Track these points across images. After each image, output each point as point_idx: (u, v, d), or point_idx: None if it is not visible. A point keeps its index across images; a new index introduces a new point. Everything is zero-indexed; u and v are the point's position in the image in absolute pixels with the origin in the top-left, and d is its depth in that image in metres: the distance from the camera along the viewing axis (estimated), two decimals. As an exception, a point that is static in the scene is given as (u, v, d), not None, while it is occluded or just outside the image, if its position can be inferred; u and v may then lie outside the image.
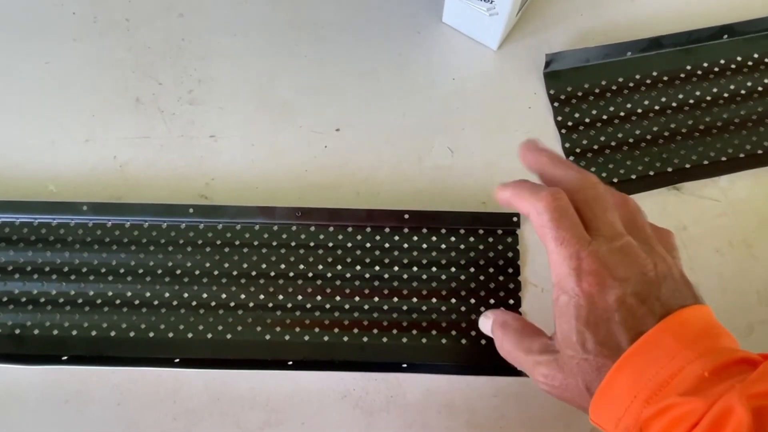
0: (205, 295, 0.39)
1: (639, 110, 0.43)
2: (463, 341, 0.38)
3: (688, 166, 0.42)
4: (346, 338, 0.38)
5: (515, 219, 0.40)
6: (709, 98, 0.43)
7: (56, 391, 0.38)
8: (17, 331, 0.38)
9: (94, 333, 0.38)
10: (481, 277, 0.39)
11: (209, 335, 0.38)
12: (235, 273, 0.39)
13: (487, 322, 0.33)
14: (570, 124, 0.43)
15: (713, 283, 0.40)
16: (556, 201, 0.27)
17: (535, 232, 0.29)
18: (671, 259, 0.28)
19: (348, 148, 0.43)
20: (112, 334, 0.38)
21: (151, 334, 0.38)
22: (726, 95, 0.44)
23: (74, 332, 0.38)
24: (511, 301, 0.39)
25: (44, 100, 0.44)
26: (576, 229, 0.27)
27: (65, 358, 0.38)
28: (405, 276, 0.39)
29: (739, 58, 0.44)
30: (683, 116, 0.43)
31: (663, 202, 0.41)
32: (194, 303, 0.39)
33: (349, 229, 0.40)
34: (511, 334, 0.31)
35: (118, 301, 0.39)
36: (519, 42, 0.46)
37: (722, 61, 0.44)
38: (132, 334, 0.38)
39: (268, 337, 0.38)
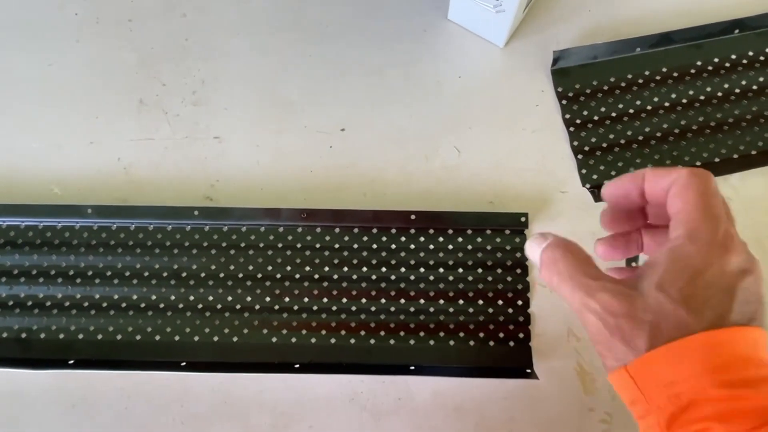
0: (210, 298, 0.39)
1: (648, 107, 0.43)
2: (472, 343, 0.38)
3: (698, 163, 0.41)
4: (353, 340, 0.38)
5: (523, 219, 0.40)
6: (720, 94, 0.43)
7: (63, 395, 0.37)
8: (23, 335, 0.38)
9: (100, 336, 0.38)
10: (489, 278, 0.39)
11: (215, 338, 0.38)
12: (240, 275, 0.39)
13: (539, 242, 0.27)
14: (578, 121, 0.42)
15: (725, 283, 0.39)
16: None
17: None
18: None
19: (353, 149, 0.42)
20: (119, 337, 0.38)
21: (157, 338, 0.38)
22: (737, 91, 0.43)
23: (80, 336, 0.38)
24: (520, 302, 0.38)
25: (47, 102, 0.44)
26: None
27: (72, 362, 0.37)
28: (412, 277, 0.39)
29: (750, 53, 0.44)
30: (694, 113, 0.42)
31: (673, 201, 0.41)
32: (200, 306, 0.39)
33: (356, 231, 0.40)
34: (572, 258, 0.26)
35: (123, 305, 0.39)
36: (526, 39, 0.45)
37: (733, 57, 0.44)
38: (138, 337, 0.38)
39: (274, 339, 0.38)
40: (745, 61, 0.43)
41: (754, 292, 0.25)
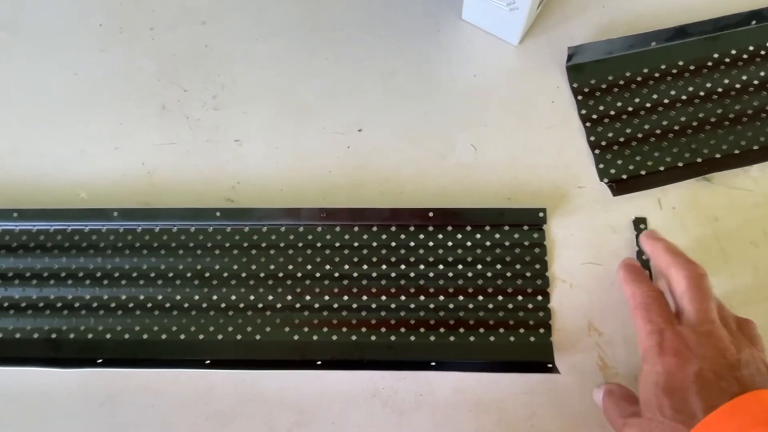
0: (233, 297, 0.40)
1: (665, 101, 0.42)
2: (492, 338, 0.38)
3: (718, 156, 0.41)
4: (373, 337, 0.38)
5: (541, 215, 0.40)
6: (738, 86, 0.42)
7: (91, 393, 0.38)
8: (53, 336, 0.39)
9: (126, 336, 0.39)
10: (508, 274, 0.39)
11: (238, 336, 0.39)
12: (262, 275, 0.40)
13: (599, 392, 0.35)
14: (594, 117, 0.43)
15: (748, 277, 0.38)
16: (649, 291, 0.33)
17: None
18: (757, 351, 0.31)
19: (371, 148, 0.43)
20: (144, 336, 0.39)
21: (182, 337, 0.39)
22: (756, 82, 0.42)
23: (108, 335, 0.39)
24: (540, 298, 0.39)
25: (74, 110, 0.45)
26: (662, 312, 0.32)
27: (99, 361, 0.38)
28: (431, 274, 0.39)
29: (768, 44, 0.43)
30: (712, 105, 0.42)
31: (693, 194, 0.40)
32: (223, 305, 0.39)
33: (374, 229, 0.40)
34: (614, 399, 0.34)
35: (149, 305, 0.40)
36: (540, 36, 0.45)
37: (751, 48, 0.43)
38: (163, 336, 0.39)
39: (296, 337, 0.38)
40: (763, 52, 0.43)
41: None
